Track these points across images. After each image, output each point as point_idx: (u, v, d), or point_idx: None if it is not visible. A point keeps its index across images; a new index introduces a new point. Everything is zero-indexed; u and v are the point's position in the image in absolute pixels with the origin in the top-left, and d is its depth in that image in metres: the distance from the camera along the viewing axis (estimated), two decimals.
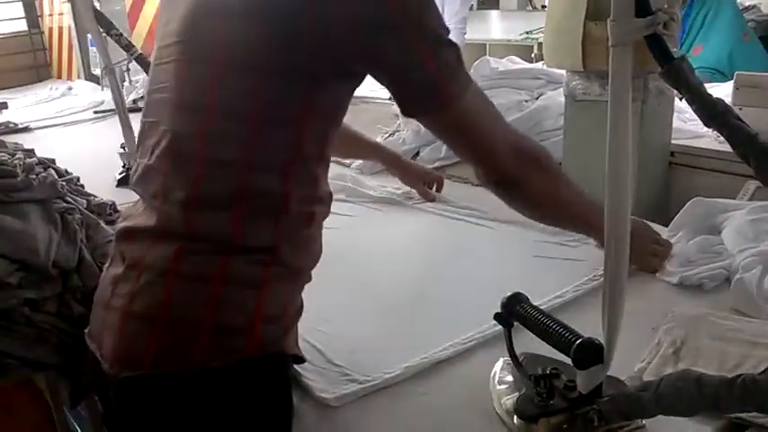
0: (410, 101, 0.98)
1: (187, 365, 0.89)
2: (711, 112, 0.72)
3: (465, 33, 3.83)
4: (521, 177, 1.08)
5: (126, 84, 3.43)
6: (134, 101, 3.31)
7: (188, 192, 0.92)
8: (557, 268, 1.37)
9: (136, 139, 2.05)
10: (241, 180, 0.92)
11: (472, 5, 5.86)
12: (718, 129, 0.72)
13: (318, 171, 0.99)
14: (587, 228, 1.26)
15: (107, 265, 1.04)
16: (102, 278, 1.03)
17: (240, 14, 0.92)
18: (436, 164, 2.02)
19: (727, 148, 0.74)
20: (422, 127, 2.02)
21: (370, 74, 0.98)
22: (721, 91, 1.84)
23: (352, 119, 2.27)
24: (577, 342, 0.82)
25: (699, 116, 0.73)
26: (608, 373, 0.84)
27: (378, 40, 0.91)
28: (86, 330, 1.04)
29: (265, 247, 0.93)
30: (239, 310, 0.91)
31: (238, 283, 0.91)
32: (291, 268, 0.97)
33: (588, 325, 0.86)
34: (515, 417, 0.88)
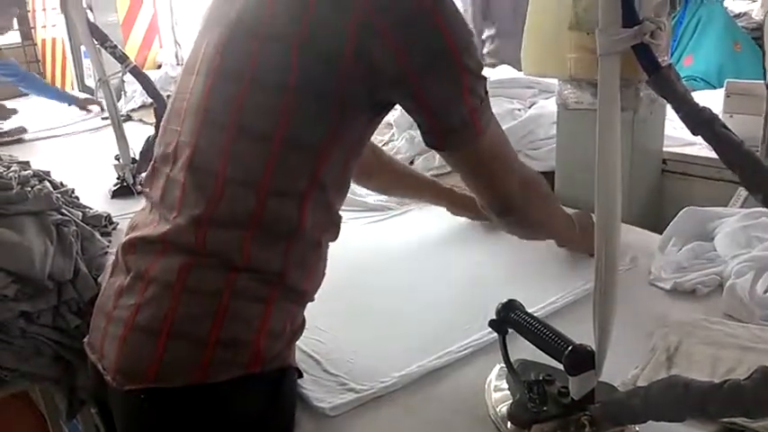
0: (444, 133, 0.97)
1: (191, 379, 0.89)
2: (698, 120, 0.73)
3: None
4: (526, 209, 1.11)
5: (122, 95, 3.44)
6: (128, 113, 3.31)
7: (204, 208, 0.92)
8: (552, 275, 1.37)
9: (131, 150, 2.08)
10: (258, 203, 0.92)
11: None
12: (705, 137, 0.73)
13: (334, 199, 1.00)
14: (558, 237, 1.37)
15: (108, 274, 1.03)
16: (104, 287, 1.03)
17: (278, 39, 0.93)
18: (430, 172, 2.02)
19: None
20: (416, 135, 2.06)
21: (404, 105, 0.98)
22: (712, 99, 1.85)
23: None
24: (569, 348, 0.83)
25: (685, 124, 0.74)
26: (601, 380, 0.84)
27: (425, 72, 0.92)
28: (86, 340, 1.04)
29: (273, 270, 0.93)
30: (244, 324, 0.91)
31: (244, 299, 0.91)
32: (297, 291, 0.97)
33: (582, 331, 0.87)
34: (509, 423, 0.89)
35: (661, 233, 1.42)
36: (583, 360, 0.81)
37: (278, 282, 0.94)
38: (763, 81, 1.56)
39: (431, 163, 2.04)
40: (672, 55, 2.68)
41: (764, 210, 1.33)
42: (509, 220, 1.13)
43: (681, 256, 1.33)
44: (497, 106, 1.99)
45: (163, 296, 0.91)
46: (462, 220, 1.66)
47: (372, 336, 1.20)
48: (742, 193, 1.53)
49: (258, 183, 0.92)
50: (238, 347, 0.90)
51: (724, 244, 1.32)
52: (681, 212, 1.42)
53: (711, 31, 2.72)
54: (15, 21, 4.30)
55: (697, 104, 0.73)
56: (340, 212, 1.03)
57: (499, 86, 2.09)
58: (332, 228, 1.02)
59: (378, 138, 2.25)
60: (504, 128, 1.86)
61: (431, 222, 1.73)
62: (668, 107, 1.69)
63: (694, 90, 2.30)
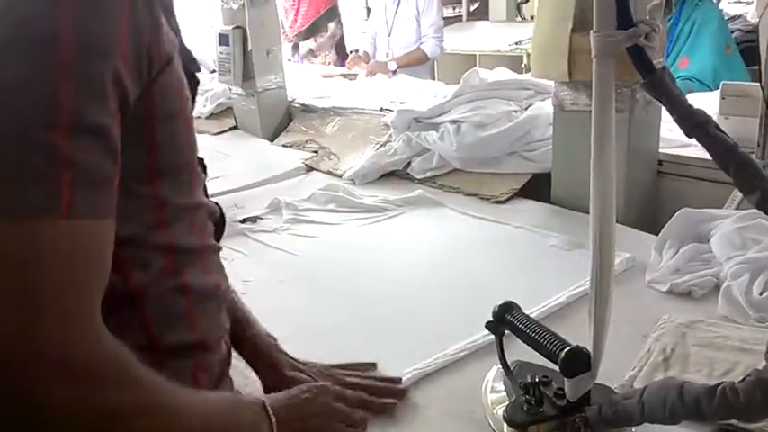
0: None
1: None
2: (692, 123, 0.73)
3: (443, 42, 3.84)
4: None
5: None
6: None
7: None
8: (549, 276, 1.38)
9: None
10: None
11: (461, 16, 5.92)
12: (699, 139, 0.73)
13: (177, 267, 0.76)
14: None
15: None
16: None
17: None
18: (427, 174, 2.03)
19: None
20: (413, 137, 2.06)
21: None
22: (708, 101, 1.85)
23: (345, 130, 2.27)
24: (565, 350, 0.83)
25: (680, 126, 0.74)
26: (598, 381, 0.84)
27: None
28: None
29: (141, 344, 0.70)
30: None
31: None
32: (185, 346, 0.78)
33: (579, 333, 0.87)
34: (505, 424, 0.89)
35: (657, 234, 1.42)
36: (578, 362, 0.81)
37: (152, 350, 0.72)
38: (758, 83, 1.57)
39: (428, 164, 2.04)
40: (667, 57, 2.68)
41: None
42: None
43: (677, 257, 1.33)
44: (493, 108, 1.99)
45: None
46: (459, 221, 1.67)
47: (369, 338, 1.20)
48: (737, 194, 1.53)
49: None
50: None
51: (720, 245, 1.32)
52: (677, 214, 1.42)
53: (706, 33, 2.73)
54: None
55: (691, 107, 0.73)
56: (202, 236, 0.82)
57: (495, 88, 2.09)
58: (191, 258, 0.79)
59: (375, 139, 2.25)
60: (500, 129, 1.90)
61: (427, 224, 1.73)
62: (664, 108, 1.70)
63: (692, 91, 2.31)
